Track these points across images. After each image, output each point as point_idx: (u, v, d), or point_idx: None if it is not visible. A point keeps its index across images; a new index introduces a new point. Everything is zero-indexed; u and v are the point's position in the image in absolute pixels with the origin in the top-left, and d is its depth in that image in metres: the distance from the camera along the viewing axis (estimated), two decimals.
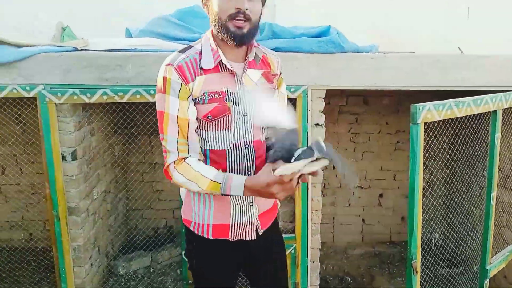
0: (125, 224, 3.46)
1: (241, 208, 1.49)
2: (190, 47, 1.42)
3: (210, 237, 1.50)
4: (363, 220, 3.69)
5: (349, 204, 3.65)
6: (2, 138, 3.26)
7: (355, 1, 3.43)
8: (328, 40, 2.29)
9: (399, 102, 3.43)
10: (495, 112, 2.07)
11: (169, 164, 1.40)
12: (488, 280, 2.22)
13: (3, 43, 2.25)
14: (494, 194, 2.16)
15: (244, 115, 1.42)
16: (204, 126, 1.41)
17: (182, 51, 1.41)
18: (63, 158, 2.35)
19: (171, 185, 3.57)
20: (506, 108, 2.18)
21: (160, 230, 3.58)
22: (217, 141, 1.42)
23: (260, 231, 1.54)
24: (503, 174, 2.84)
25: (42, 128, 2.28)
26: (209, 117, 1.38)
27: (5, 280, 3.04)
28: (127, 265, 3.05)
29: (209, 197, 1.47)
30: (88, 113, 2.59)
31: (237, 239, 1.50)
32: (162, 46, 2.36)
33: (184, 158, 1.39)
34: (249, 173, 1.45)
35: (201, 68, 1.37)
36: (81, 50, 2.30)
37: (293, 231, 2.53)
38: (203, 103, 1.37)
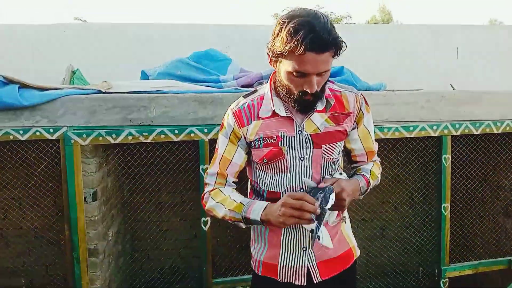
0: (133, 265, 3.39)
1: (292, 251, 1.49)
2: (255, 91, 1.51)
3: (260, 274, 1.53)
4: (367, 253, 3.73)
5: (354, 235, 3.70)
6: (7, 181, 3.20)
7: (352, 44, 3.63)
8: (342, 79, 2.44)
9: None
10: (440, 137, 2.62)
11: (205, 192, 1.53)
12: (446, 280, 2.71)
13: (27, 86, 2.28)
14: (446, 205, 2.70)
15: (301, 160, 1.44)
16: (261, 168, 1.48)
17: (246, 95, 1.51)
18: (84, 199, 2.34)
19: (178, 224, 3.56)
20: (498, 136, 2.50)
21: (166, 270, 3.52)
22: (273, 183, 1.47)
23: (318, 279, 1.50)
24: (505, 202, 2.98)
25: (65, 169, 2.28)
26: (265, 161, 1.44)
27: None
28: None
29: (264, 235, 1.51)
30: (106, 154, 2.61)
31: (285, 281, 1.51)
32: (183, 88, 2.44)
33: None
34: None
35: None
36: (105, 92, 2.35)
37: None
38: (258, 147, 1.44)
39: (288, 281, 1.51)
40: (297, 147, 1.43)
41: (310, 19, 1.22)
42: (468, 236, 3.38)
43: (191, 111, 2.35)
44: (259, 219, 1.35)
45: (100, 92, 2.35)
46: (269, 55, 1.35)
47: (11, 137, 2.25)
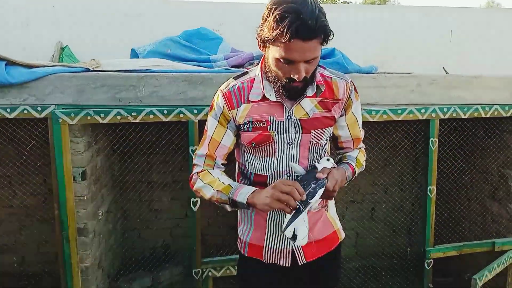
0: (124, 244, 3.42)
1: (277, 233, 1.51)
2: (245, 73, 1.48)
3: (246, 254, 1.56)
4: (356, 233, 3.79)
5: (343, 218, 3.74)
6: None
7: (346, 24, 3.60)
8: (334, 61, 2.42)
9: None
10: (428, 121, 2.63)
11: (193, 174, 1.52)
12: (430, 261, 2.76)
13: (14, 63, 2.24)
14: (432, 187, 2.73)
15: (289, 144, 1.44)
16: (249, 151, 1.48)
17: (236, 77, 1.48)
18: (73, 178, 2.34)
19: (169, 204, 3.58)
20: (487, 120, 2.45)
21: (157, 249, 3.56)
22: (260, 166, 1.48)
23: (302, 261, 1.52)
24: (492, 186, 3.02)
25: (53, 148, 2.27)
26: (253, 144, 1.44)
27: None
28: (129, 286, 3.01)
29: (250, 217, 1.53)
30: (94, 133, 2.59)
31: (270, 262, 1.53)
32: (173, 67, 2.41)
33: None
34: None
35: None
36: (94, 70, 2.32)
37: None
38: (247, 131, 1.44)
39: (273, 262, 1.52)
40: (285, 132, 1.43)
41: (297, 6, 1.20)
42: (454, 219, 3.44)
43: (180, 91, 2.33)
44: (245, 202, 1.35)
45: (88, 70, 2.32)
46: (258, 39, 1.33)
47: None
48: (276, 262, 1.52)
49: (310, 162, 1.48)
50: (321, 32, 1.23)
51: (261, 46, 1.35)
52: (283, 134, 1.43)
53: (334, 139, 1.61)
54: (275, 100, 1.41)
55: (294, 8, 1.19)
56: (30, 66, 2.28)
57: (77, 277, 2.38)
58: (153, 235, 3.56)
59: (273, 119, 1.42)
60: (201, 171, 1.50)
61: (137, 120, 2.28)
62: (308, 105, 1.43)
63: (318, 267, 1.56)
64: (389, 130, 3.60)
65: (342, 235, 1.66)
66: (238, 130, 1.48)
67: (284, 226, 1.31)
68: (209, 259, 2.60)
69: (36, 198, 3.30)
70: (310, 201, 1.30)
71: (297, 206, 1.28)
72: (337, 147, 1.64)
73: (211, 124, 1.49)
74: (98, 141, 2.68)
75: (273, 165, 1.46)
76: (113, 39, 3.28)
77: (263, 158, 1.46)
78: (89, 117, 2.24)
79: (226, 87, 1.46)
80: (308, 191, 1.31)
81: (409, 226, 3.73)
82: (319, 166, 1.41)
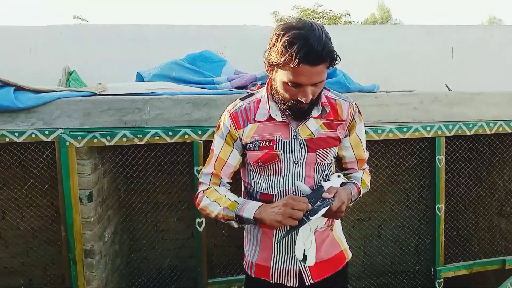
0: (130, 265, 3.42)
1: (284, 254, 1.52)
2: (252, 94, 1.53)
3: (253, 275, 1.56)
4: (364, 252, 3.76)
5: (350, 236, 3.72)
6: (4, 183, 3.22)
7: (347, 44, 3.64)
8: (335, 81, 2.45)
9: None
10: (434, 138, 2.65)
11: (199, 192, 1.54)
12: (441, 280, 2.75)
13: (22, 89, 2.30)
14: (440, 205, 2.73)
15: (295, 163, 1.47)
16: (256, 170, 1.50)
17: (243, 98, 1.53)
18: (80, 200, 2.37)
19: (175, 224, 3.59)
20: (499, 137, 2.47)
21: (164, 270, 3.55)
22: (266, 185, 1.50)
23: (309, 281, 1.53)
24: (499, 202, 3.00)
25: (60, 171, 2.30)
26: (259, 163, 1.47)
27: None
28: None
29: (256, 237, 1.54)
30: (101, 155, 2.63)
31: (277, 282, 1.54)
32: (177, 89, 2.46)
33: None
34: None
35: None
36: (100, 94, 2.37)
37: None
38: (253, 150, 1.47)
39: (280, 282, 1.53)
40: (291, 151, 1.46)
41: (305, 32, 1.24)
42: (463, 236, 3.40)
43: (185, 113, 2.37)
44: (252, 217, 1.37)
45: (95, 94, 2.37)
46: (265, 63, 1.38)
47: (7, 139, 2.27)
48: (283, 283, 1.53)
49: (316, 181, 1.49)
50: (328, 57, 1.27)
51: (269, 70, 1.39)
52: (289, 153, 1.45)
53: (338, 160, 1.64)
54: (281, 120, 1.44)
55: (302, 35, 1.24)
56: (37, 91, 2.33)
57: None
58: (160, 256, 3.56)
59: (279, 139, 1.45)
60: (207, 189, 1.52)
61: (143, 142, 2.32)
62: (313, 125, 1.47)
63: (325, 285, 1.56)
64: (395, 148, 3.61)
65: (349, 254, 1.66)
66: (244, 149, 1.50)
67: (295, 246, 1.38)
68: (215, 279, 2.59)
69: (43, 220, 3.32)
70: (311, 217, 1.32)
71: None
72: (341, 168, 1.66)
73: (217, 143, 1.52)
74: (105, 163, 2.72)
75: (279, 184, 1.48)
76: (119, 63, 3.35)
77: (269, 177, 1.49)
78: (95, 140, 2.28)
79: (233, 107, 1.50)
80: (312, 208, 1.33)
81: (417, 244, 3.69)
82: (326, 185, 1.44)
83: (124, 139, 2.30)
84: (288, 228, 1.40)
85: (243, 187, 1.64)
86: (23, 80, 2.36)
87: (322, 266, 1.54)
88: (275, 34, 1.30)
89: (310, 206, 1.33)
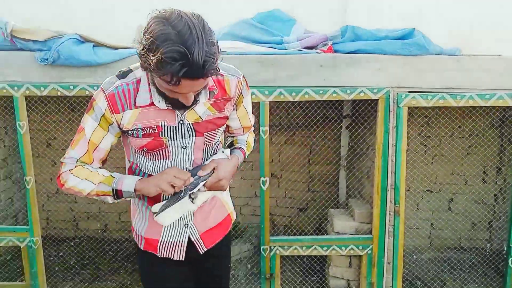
0: None
1: (174, 228, 1.49)
2: (130, 71, 1.35)
3: (142, 248, 1.54)
4: (431, 224, 3.62)
5: (417, 208, 3.60)
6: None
7: (427, 5, 3.37)
8: (414, 42, 2.30)
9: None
10: None
11: (63, 172, 1.40)
12: None
13: (100, 45, 2.41)
14: None
15: (183, 148, 1.40)
16: (141, 152, 1.41)
17: (120, 76, 1.35)
18: None
19: (239, 182, 3.68)
20: None
21: None
22: (154, 168, 1.43)
23: (203, 250, 1.54)
24: None
25: None
26: (145, 149, 1.39)
27: (87, 266, 3.25)
28: None
29: (144, 212, 1.51)
30: None
31: (164, 256, 1.52)
32: (246, 49, 2.44)
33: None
34: None
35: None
36: None
37: (370, 232, 2.55)
38: (137, 137, 1.36)
39: (167, 256, 1.52)
40: (179, 137, 1.38)
41: (183, 49, 1.07)
42: None
43: (252, 73, 2.35)
44: (132, 189, 1.34)
45: None
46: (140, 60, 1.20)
47: (87, 92, 2.41)
48: (170, 256, 1.52)
49: (203, 162, 1.46)
50: (210, 72, 1.14)
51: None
52: (176, 139, 1.38)
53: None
54: (165, 107, 1.32)
55: (181, 52, 1.08)
56: (115, 48, 2.43)
57: None
58: None
59: (164, 125, 1.35)
60: (75, 167, 1.39)
61: None
62: (201, 109, 1.38)
63: (214, 252, 1.59)
64: (475, 116, 3.36)
65: (234, 216, 1.68)
66: (124, 133, 1.40)
67: (158, 206, 1.38)
68: (277, 237, 2.65)
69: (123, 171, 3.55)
70: (189, 192, 1.36)
71: (178, 193, 1.36)
72: (227, 133, 1.66)
73: (89, 125, 1.36)
74: None
75: (167, 168, 1.41)
76: None
77: (157, 161, 1.42)
78: None
79: (109, 87, 1.32)
80: (191, 182, 1.36)
81: (490, 221, 3.48)
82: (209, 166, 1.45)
83: None
84: (167, 198, 1.40)
85: (127, 164, 1.53)
86: (100, 38, 2.47)
87: (213, 233, 1.56)
88: (148, 38, 1.11)
89: (192, 179, 1.34)
